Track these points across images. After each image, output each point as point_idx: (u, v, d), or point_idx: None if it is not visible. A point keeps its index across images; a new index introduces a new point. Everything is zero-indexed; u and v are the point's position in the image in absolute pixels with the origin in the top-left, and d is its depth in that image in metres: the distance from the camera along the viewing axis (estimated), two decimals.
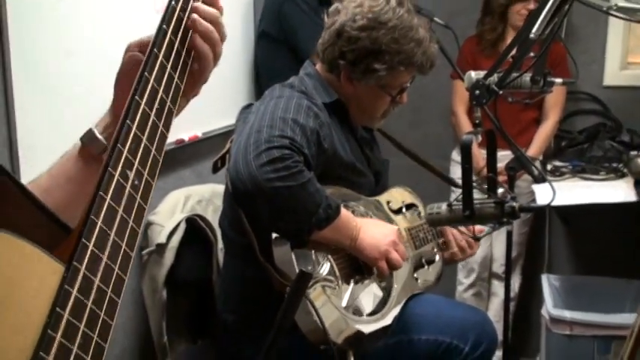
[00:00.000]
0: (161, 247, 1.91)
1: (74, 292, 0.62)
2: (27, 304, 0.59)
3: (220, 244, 1.97)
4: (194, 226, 2.01)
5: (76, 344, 0.62)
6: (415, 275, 1.81)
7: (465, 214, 1.61)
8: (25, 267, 0.59)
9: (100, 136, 0.86)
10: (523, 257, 3.12)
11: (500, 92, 1.61)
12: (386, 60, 1.67)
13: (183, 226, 1.97)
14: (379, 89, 1.72)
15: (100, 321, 0.65)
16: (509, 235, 2.45)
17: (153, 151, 0.73)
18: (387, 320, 1.66)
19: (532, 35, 1.52)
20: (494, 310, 3.13)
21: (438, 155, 3.10)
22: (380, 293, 1.69)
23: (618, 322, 2.47)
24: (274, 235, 1.52)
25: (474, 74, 1.76)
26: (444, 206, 1.67)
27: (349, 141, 1.75)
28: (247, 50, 2.53)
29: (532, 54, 1.82)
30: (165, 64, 0.76)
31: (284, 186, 1.40)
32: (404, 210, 1.87)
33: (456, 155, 3.09)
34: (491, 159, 1.73)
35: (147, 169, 0.72)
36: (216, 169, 1.78)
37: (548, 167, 2.90)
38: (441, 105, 3.20)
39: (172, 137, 2.18)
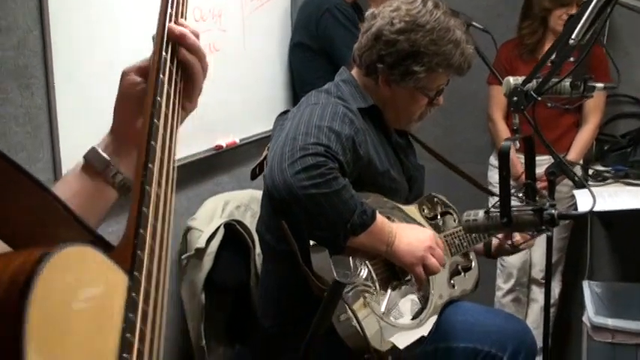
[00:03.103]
0: (200, 252, 1.94)
1: (139, 300, 0.66)
2: (111, 309, 0.63)
3: (258, 250, 1.99)
4: (232, 231, 2.03)
5: (146, 347, 0.66)
6: (452, 282, 1.80)
7: (502, 222, 1.60)
8: (104, 275, 0.63)
9: (103, 153, 0.91)
10: (563, 263, 3.08)
11: (539, 98, 1.60)
12: (424, 62, 1.67)
13: (221, 231, 1.99)
14: (417, 91, 1.72)
15: (157, 325, 0.69)
16: (549, 240, 2.41)
17: (171, 167, 0.79)
18: (426, 328, 1.66)
19: (572, 41, 1.51)
20: (534, 317, 3.09)
21: (477, 161, 3.08)
22: (417, 299, 1.69)
23: None
24: (312, 241, 1.54)
25: (512, 80, 1.75)
26: (481, 213, 1.66)
27: (384, 147, 1.76)
28: (283, 59, 2.56)
29: (571, 59, 1.81)
30: (169, 89, 0.81)
31: (319, 193, 1.41)
32: (438, 217, 1.86)
33: (493, 160, 3.06)
34: (530, 165, 1.72)
35: (169, 185, 0.77)
36: (254, 175, 1.81)
37: (590, 172, 2.85)
38: (477, 110, 3.17)
39: (211, 143, 2.22)
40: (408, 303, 1.66)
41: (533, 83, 1.61)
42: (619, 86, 3.04)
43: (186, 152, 2.08)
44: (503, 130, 2.92)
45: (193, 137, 2.11)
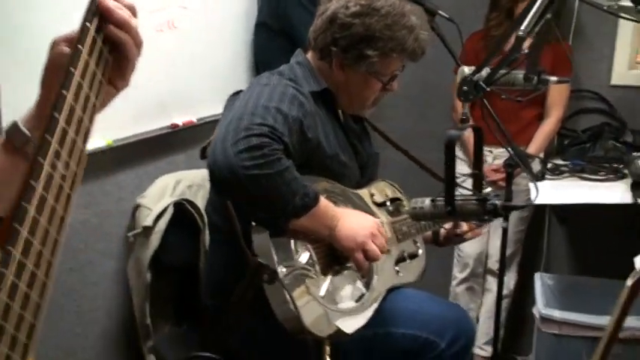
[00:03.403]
0: (147, 230, 1.92)
1: (10, 275, 0.64)
2: None
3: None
4: (182, 210, 2.01)
5: (10, 323, 0.65)
6: (397, 268, 1.81)
7: (447, 210, 1.60)
8: None
9: (23, 129, 0.87)
10: (520, 255, 3.10)
11: (488, 89, 1.60)
12: (378, 46, 1.67)
13: (170, 210, 1.97)
14: (370, 76, 1.72)
15: (32, 303, 0.67)
16: (504, 232, 2.43)
17: (79, 143, 0.75)
18: (368, 313, 1.67)
19: (521, 32, 1.50)
20: (488, 306, 3.12)
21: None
22: (360, 285, 1.69)
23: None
24: (254, 222, 1.53)
25: (467, 69, 1.75)
26: (427, 201, 1.67)
27: (335, 131, 1.75)
28: (246, 40, 2.53)
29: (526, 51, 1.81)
30: (88, 59, 0.77)
31: (261, 174, 1.40)
32: (388, 203, 1.86)
33: (458, 151, 3.07)
34: (478, 156, 1.72)
35: (74, 161, 0.74)
36: (203, 155, 1.79)
37: (549, 166, 2.87)
38: (449, 99, 3.18)
39: (167, 121, 2.19)
40: (349, 288, 1.66)
41: (484, 74, 1.60)
42: (582, 82, 3.09)
43: (139, 129, 2.05)
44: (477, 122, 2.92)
45: (148, 114, 2.09)
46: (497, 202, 1.59)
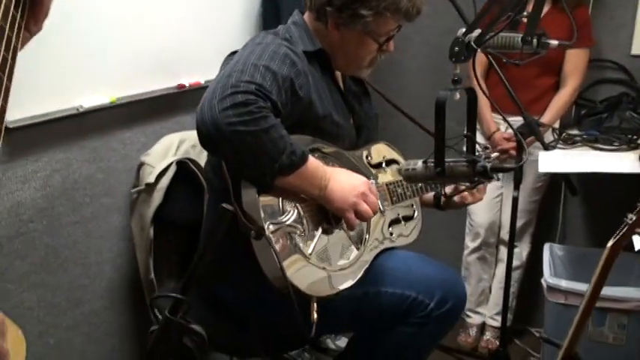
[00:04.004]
0: (150, 187, 1.97)
1: None
2: None
3: None
4: (186, 169, 2.06)
5: None
6: (390, 230, 1.83)
7: (436, 171, 1.61)
8: None
9: None
10: (533, 226, 3.09)
11: (478, 49, 1.59)
12: (372, 5, 1.67)
13: (173, 168, 2.02)
14: (366, 36, 1.72)
15: None
16: (514, 201, 2.42)
17: (4, 79, 0.79)
18: (358, 273, 1.69)
19: None
20: (500, 276, 3.12)
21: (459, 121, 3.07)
22: (351, 245, 1.71)
23: (615, 295, 2.44)
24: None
25: (462, 30, 1.74)
26: (419, 163, 1.68)
27: (330, 91, 1.76)
28: (254, 2, 2.54)
29: (525, 13, 1.79)
30: (9, 3, 0.81)
31: (246, 130, 1.42)
32: (384, 165, 1.87)
33: None
34: (471, 118, 1.72)
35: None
36: None
37: (563, 136, 2.83)
38: (464, 67, 3.15)
39: (173, 82, 2.23)
40: (339, 247, 1.68)
41: (474, 34, 1.59)
42: (602, 51, 3.03)
43: (145, 88, 2.09)
44: (483, 88, 2.89)
45: (154, 74, 2.13)
46: (487, 165, 1.59)
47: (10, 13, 0.81)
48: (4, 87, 0.79)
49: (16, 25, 0.83)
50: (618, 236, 1.46)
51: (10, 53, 0.81)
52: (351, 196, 1.62)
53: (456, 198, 1.94)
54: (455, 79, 1.69)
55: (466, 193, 1.92)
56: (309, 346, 2.64)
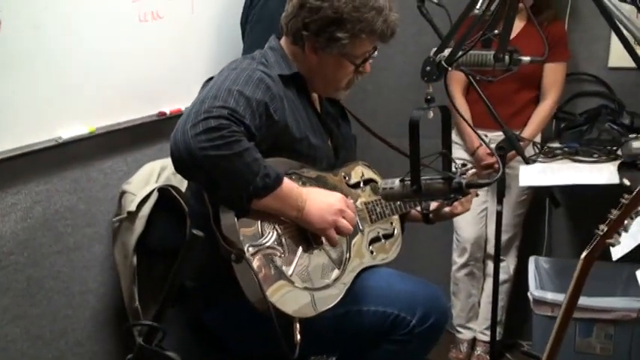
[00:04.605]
0: (132, 215, 1.98)
1: None
2: None
3: None
4: (167, 196, 2.07)
5: None
6: (370, 248, 1.84)
7: (413, 189, 1.63)
8: None
9: None
10: (519, 239, 3.11)
11: (450, 68, 1.61)
12: (348, 28, 1.71)
13: (155, 195, 2.02)
14: (343, 58, 1.76)
15: None
16: (498, 215, 2.44)
17: None
18: (340, 293, 1.70)
19: (476, 10, 1.52)
20: (488, 291, 3.13)
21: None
22: (331, 264, 1.72)
23: (601, 306, 2.46)
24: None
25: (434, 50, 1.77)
26: (396, 181, 1.69)
27: (307, 114, 1.79)
28: (234, 27, 2.57)
29: (496, 31, 1.82)
30: None
31: (218, 155, 1.44)
32: (362, 185, 1.89)
33: (455, 137, 3.07)
34: (446, 135, 1.74)
35: None
36: None
37: (544, 149, 2.86)
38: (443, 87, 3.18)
39: (154, 110, 2.25)
40: (320, 267, 1.69)
41: (445, 54, 1.62)
42: (579, 64, 3.07)
43: (125, 117, 2.11)
44: (462, 105, 2.93)
45: (134, 103, 2.14)
46: (463, 181, 1.61)
47: None
48: None
49: None
50: (591, 247, 1.47)
51: None
52: (328, 214, 1.64)
53: (446, 209, 1.96)
54: (427, 97, 1.71)
55: (456, 202, 1.93)
56: None
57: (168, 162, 2.17)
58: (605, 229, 1.46)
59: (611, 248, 1.71)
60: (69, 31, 1.83)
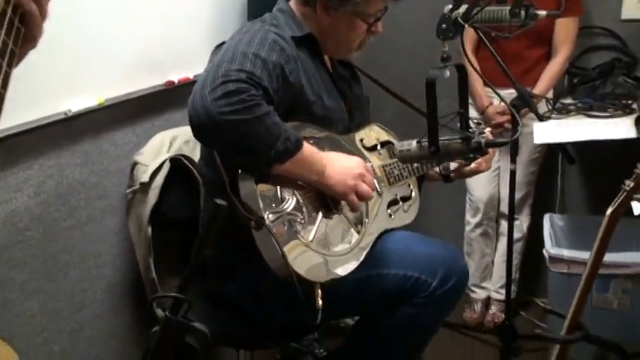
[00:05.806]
0: (144, 186, 1.96)
1: None
2: None
3: None
4: (180, 166, 2.04)
5: None
6: (389, 211, 1.82)
7: (431, 150, 1.60)
8: None
9: None
10: (532, 197, 3.08)
11: (466, 25, 1.57)
12: None
13: (167, 165, 2.00)
14: (355, 17, 1.72)
15: None
16: (512, 174, 2.41)
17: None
18: (360, 257, 1.69)
19: None
20: (502, 250, 3.13)
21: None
22: (351, 229, 1.70)
23: (618, 261, 2.44)
24: (240, 170, 1.55)
25: (449, 7, 1.72)
26: (413, 143, 1.66)
27: (321, 76, 1.75)
28: None
29: None
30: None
31: (238, 119, 1.41)
32: (378, 147, 1.86)
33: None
34: (463, 94, 1.70)
35: None
36: None
37: (557, 105, 2.82)
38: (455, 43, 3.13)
39: (162, 79, 2.21)
40: (340, 232, 1.67)
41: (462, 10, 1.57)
42: (592, 17, 3.01)
43: (133, 88, 2.07)
44: (473, 63, 2.87)
45: (141, 73, 2.10)
46: (482, 140, 1.58)
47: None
48: None
49: (9, 52, 0.84)
50: (617, 203, 1.45)
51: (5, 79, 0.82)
52: (349, 178, 1.61)
53: (469, 166, 1.93)
54: (444, 56, 1.67)
55: (480, 159, 1.90)
56: (316, 333, 2.64)
57: (179, 132, 2.16)
58: (632, 184, 1.43)
59: (632, 203, 1.69)
60: (72, 2, 1.79)
